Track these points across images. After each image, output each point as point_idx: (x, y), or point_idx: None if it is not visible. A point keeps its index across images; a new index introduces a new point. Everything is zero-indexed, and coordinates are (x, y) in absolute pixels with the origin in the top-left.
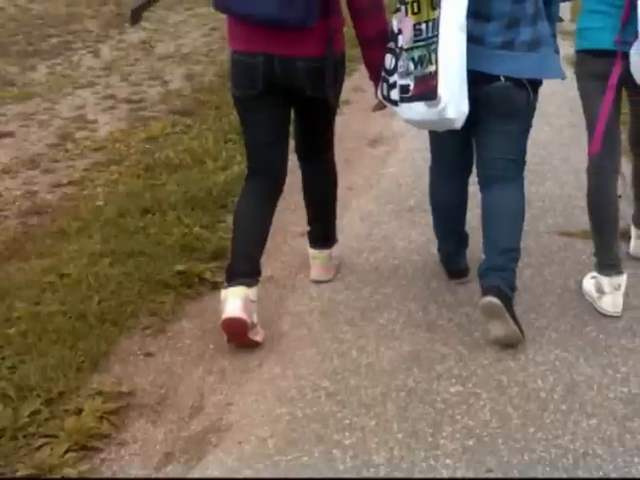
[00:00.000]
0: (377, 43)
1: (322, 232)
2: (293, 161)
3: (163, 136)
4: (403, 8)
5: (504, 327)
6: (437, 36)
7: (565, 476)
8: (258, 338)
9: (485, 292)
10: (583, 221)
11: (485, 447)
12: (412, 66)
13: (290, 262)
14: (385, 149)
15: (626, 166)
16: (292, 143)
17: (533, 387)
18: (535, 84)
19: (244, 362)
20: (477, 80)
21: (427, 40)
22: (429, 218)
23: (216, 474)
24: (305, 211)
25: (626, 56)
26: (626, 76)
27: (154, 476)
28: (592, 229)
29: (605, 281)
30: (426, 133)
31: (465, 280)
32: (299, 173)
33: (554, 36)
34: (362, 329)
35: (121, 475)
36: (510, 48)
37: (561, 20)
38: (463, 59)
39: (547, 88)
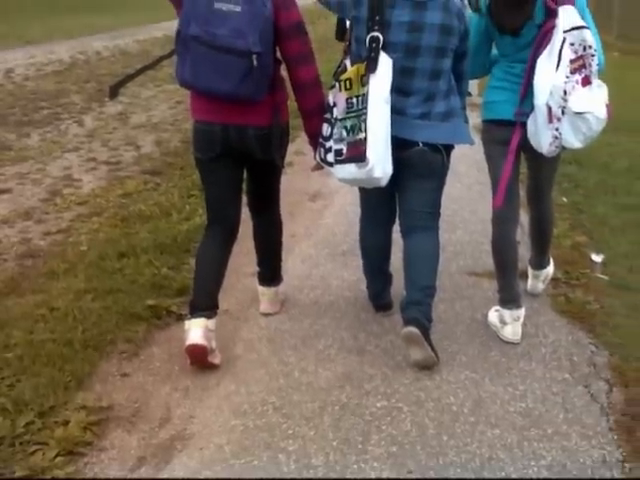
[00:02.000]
0: (315, 114)
1: (270, 272)
2: (246, 213)
3: (136, 192)
4: (337, 85)
5: (422, 352)
6: (366, 108)
7: (473, 476)
8: (216, 361)
9: (406, 323)
10: (488, 263)
11: (406, 452)
12: (345, 133)
13: (243, 297)
14: (323, 203)
15: (524, 217)
16: (245, 198)
17: (446, 402)
18: (448, 148)
19: (204, 381)
20: (399, 145)
21: (358, 112)
22: (359, 261)
23: (181, 475)
24: (255, 255)
25: (524, 125)
26: (524, 142)
27: (129, 477)
28: (496, 270)
29: (507, 313)
30: (357, 190)
31: (389, 312)
32: (251, 223)
33: (464, 108)
34: (303, 354)
35: (101, 476)
36: (427, 118)
37: (470, 95)
38: (388, 127)
39: (458, 152)
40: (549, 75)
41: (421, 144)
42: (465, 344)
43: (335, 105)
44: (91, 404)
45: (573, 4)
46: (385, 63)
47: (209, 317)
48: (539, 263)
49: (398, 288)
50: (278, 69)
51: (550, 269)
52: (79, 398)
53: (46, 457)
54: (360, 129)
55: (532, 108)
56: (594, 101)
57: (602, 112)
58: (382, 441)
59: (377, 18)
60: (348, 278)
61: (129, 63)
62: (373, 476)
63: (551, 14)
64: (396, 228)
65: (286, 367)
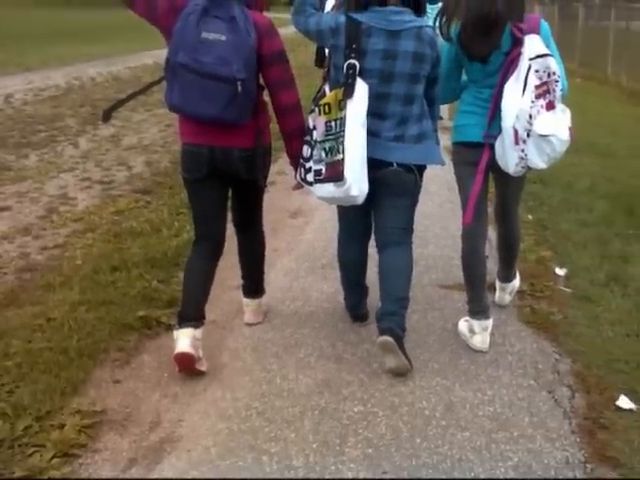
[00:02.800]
0: (296, 136)
1: (253, 285)
2: (231, 229)
3: (128, 210)
4: (317, 109)
5: (396, 360)
6: (344, 131)
7: (444, 477)
8: (203, 368)
9: (381, 332)
10: (458, 276)
11: (381, 454)
12: (324, 155)
13: (228, 309)
14: (303, 220)
15: (492, 233)
16: (230, 215)
17: (419, 407)
18: (421, 169)
19: (192, 387)
20: (375, 165)
21: (336, 134)
22: (337, 274)
23: (170, 475)
24: (240, 268)
25: (492, 147)
26: (492, 163)
27: (121, 477)
28: (465, 283)
29: (476, 324)
30: (335, 207)
31: (365, 323)
32: (235, 239)
33: (435, 131)
34: (285, 361)
35: (95, 476)
36: (401, 140)
37: (441, 118)
38: (364, 149)
39: (430, 172)
40: (516, 100)
41: (395, 164)
42: (437, 352)
43: (315, 128)
44: (85, 409)
45: (538, 33)
46: (361, 89)
47: (196, 327)
48: (506, 276)
49: (374, 300)
50: (261, 94)
51: (516, 282)
52: (74, 403)
53: (43, 458)
54: (338, 151)
55: (499, 131)
56: (558, 124)
57: (565, 135)
58: (359, 443)
59: (354, 46)
60: (327, 290)
61: (121, 88)
62: (350, 476)
63: (517, 42)
64: (372, 243)
65: (269, 374)
